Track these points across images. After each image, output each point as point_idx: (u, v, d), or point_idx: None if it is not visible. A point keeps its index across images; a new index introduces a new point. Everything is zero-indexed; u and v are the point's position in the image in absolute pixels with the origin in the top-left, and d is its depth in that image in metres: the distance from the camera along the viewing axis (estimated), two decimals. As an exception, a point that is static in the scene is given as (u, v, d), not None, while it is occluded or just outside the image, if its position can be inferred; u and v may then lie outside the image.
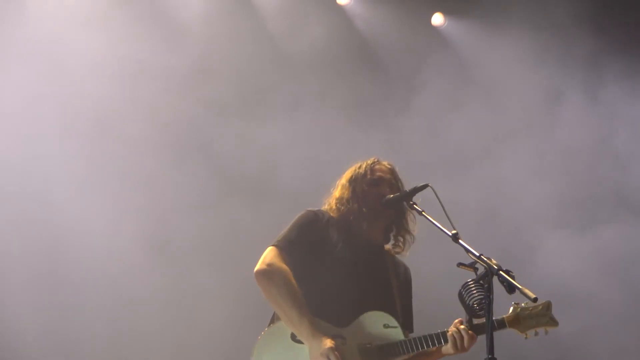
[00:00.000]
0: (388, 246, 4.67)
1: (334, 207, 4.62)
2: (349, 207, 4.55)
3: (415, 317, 4.67)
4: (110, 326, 6.99)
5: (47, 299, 6.88)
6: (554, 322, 4.19)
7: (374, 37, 8.08)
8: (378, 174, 4.60)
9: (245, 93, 7.56)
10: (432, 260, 6.23)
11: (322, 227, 4.51)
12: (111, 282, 7.01)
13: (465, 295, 3.87)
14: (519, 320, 4.14)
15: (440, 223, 4.11)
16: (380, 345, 4.31)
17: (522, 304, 4.19)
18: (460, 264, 3.86)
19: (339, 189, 4.66)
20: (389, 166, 4.67)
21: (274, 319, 4.43)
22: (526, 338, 4.17)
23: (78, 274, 6.94)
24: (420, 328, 4.56)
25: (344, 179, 4.67)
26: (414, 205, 4.32)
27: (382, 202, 4.48)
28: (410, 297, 4.68)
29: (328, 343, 4.18)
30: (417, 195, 4.39)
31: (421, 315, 4.68)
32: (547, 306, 4.19)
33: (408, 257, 4.70)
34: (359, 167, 4.66)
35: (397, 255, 4.68)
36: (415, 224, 4.60)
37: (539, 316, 4.16)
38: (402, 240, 4.62)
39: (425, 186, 4.31)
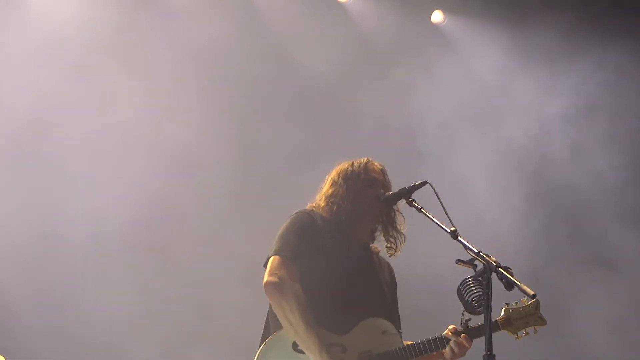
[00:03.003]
0: (373, 245, 4.63)
1: (324, 204, 4.54)
2: (343, 206, 4.49)
3: (414, 314, 4.68)
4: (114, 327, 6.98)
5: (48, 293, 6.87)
6: (542, 321, 4.28)
7: (374, 33, 8.09)
8: (372, 174, 4.56)
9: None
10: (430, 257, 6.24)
11: (318, 231, 4.41)
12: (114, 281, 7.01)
13: (463, 292, 3.86)
14: (511, 322, 4.25)
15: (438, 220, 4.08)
16: (380, 354, 4.31)
17: (513, 304, 4.28)
18: (458, 261, 3.86)
19: (329, 186, 4.59)
20: (381, 167, 4.63)
21: (268, 326, 4.40)
22: (517, 339, 4.27)
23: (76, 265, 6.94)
24: (418, 324, 4.57)
25: (335, 176, 4.60)
26: (414, 203, 4.29)
27: (382, 199, 4.44)
28: (396, 295, 4.66)
29: None
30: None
31: (420, 311, 4.69)
32: (536, 305, 4.28)
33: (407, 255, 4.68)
34: (352, 166, 4.59)
35: (380, 254, 4.65)
36: (404, 224, 4.57)
37: (528, 315, 4.26)
38: (393, 240, 4.58)
39: (424, 183, 4.28)
